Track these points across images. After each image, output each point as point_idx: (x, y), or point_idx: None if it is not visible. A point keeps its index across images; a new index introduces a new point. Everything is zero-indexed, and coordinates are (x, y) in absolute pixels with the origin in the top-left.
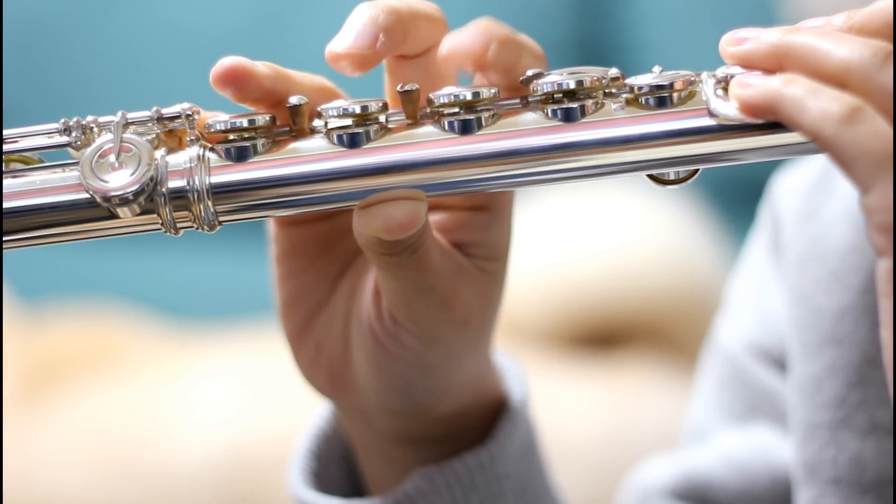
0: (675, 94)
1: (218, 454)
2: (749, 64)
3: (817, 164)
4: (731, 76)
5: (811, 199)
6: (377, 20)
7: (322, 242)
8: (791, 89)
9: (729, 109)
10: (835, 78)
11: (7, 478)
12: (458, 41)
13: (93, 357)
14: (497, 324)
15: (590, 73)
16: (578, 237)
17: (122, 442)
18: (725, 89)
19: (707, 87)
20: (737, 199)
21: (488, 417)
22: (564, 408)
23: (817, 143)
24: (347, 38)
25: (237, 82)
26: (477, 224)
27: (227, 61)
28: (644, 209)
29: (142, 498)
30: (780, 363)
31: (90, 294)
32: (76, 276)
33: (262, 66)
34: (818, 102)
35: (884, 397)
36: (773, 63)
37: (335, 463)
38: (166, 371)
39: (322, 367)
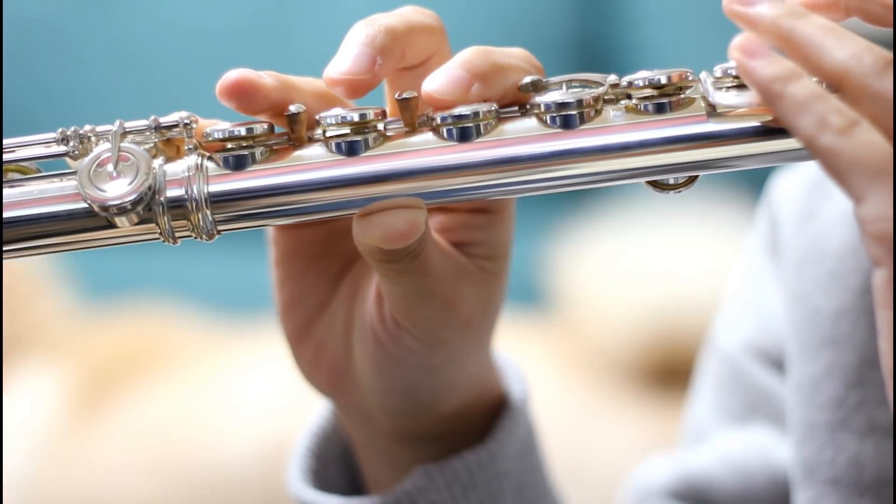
0: (673, 101)
1: (267, 447)
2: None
3: (815, 166)
4: (729, 72)
5: (809, 200)
6: (374, 41)
7: (322, 244)
8: (793, 88)
9: (730, 99)
10: (832, 78)
11: (72, 482)
12: (437, 89)
13: (146, 356)
14: (498, 323)
15: (590, 90)
16: (664, 272)
17: (179, 440)
18: (722, 79)
19: (705, 84)
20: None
21: (488, 416)
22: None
23: (810, 150)
24: (344, 62)
25: (244, 95)
26: (478, 224)
27: (233, 74)
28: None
29: (195, 495)
30: (778, 364)
31: (132, 293)
32: (118, 274)
33: (267, 78)
34: (817, 110)
35: (882, 398)
36: (774, 42)
37: (334, 461)
38: (217, 367)
39: (323, 368)
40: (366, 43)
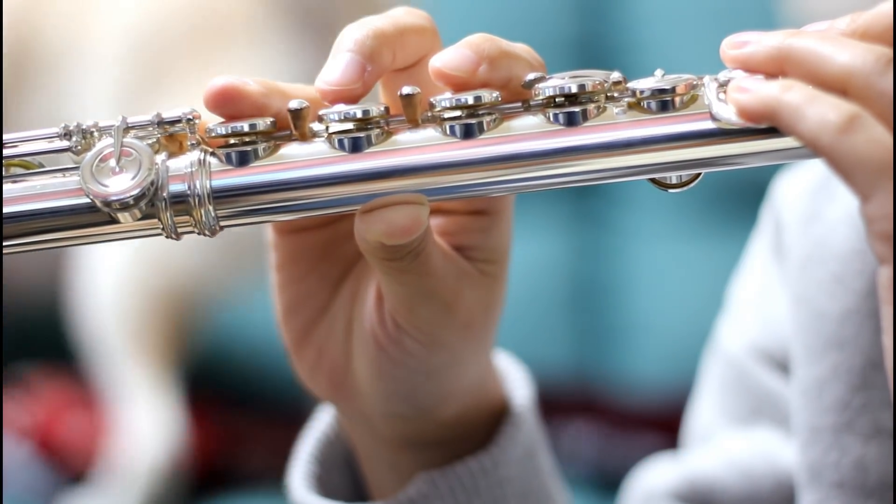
0: (677, 99)
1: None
2: (749, 67)
3: (819, 167)
4: (733, 80)
5: (813, 202)
6: (363, 47)
7: (322, 248)
8: (789, 96)
9: (731, 114)
10: (836, 83)
11: None
12: (447, 63)
13: None
14: (498, 328)
15: (592, 77)
16: None
17: None
18: (725, 85)
19: (709, 90)
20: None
21: (491, 421)
22: None
23: (815, 151)
24: (334, 72)
25: (229, 102)
26: (477, 227)
27: (218, 82)
28: None
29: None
30: (782, 366)
31: None
32: None
33: (253, 84)
34: (816, 110)
35: (887, 401)
36: (773, 67)
37: (337, 467)
38: None
39: (323, 373)
40: (354, 49)
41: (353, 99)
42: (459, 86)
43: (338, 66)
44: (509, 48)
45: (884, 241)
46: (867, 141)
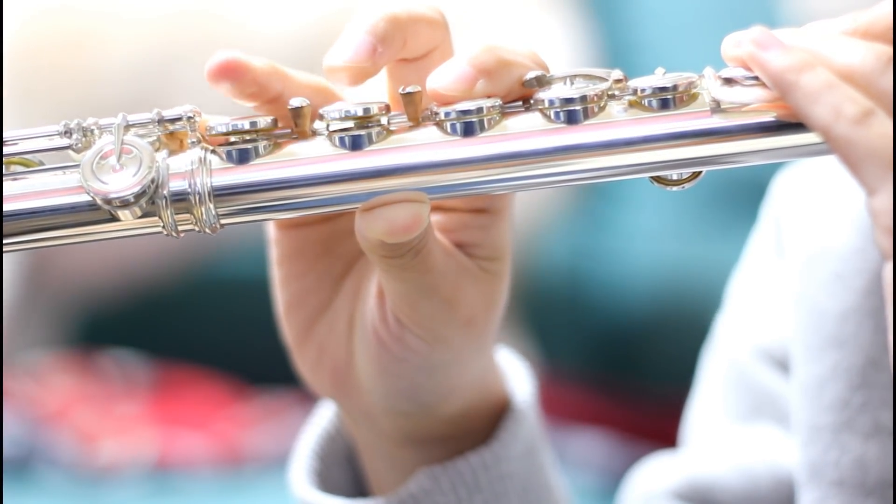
0: (678, 96)
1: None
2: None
3: (820, 165)
4: (734, 76)
5: (813, 200)
6: (376, 29)
7: (324, 244)
8: (807, 78)
9: (733, 95)
10: None
11: None
12: (444, 85)
13: None
14: (499, 325)
15: (593, 87)
16: None
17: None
18: (727, 80)
19: (709, 80)
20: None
21: (493, 417)
22: None
23: (826, 140)
24: (346, 50)
25: (232, 76)
26: (478, 225)
27: (222, 56)
28: None
29: None
30: (782, 365)
31: None
32: None
33: (257, 61)
34: (832, 99)
35: (887, 399)
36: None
37: (338, 463)
38: None
39: (325, 370)
40: (367, 31)
41: (361, 78)
42: (459, 100)
43: (349, 45)
44: (510, 57)
45: (889, 235)
46: (879, 135)
